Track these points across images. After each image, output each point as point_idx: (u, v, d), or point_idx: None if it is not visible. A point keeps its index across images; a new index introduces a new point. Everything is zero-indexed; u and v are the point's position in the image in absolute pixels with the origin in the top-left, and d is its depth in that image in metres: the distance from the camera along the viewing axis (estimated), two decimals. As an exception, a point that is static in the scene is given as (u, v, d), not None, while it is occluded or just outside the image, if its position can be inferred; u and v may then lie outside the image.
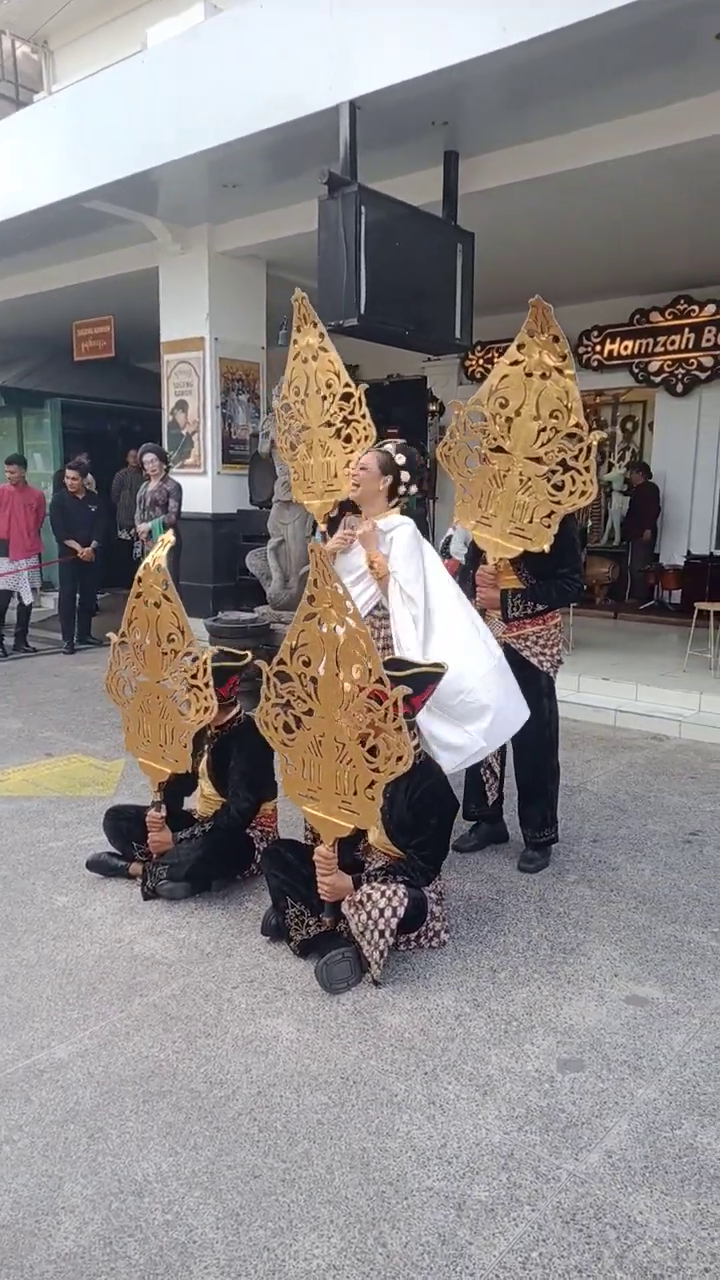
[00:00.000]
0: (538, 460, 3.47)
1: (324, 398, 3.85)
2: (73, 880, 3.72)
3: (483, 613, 3.74)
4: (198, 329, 8.76)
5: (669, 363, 9.99)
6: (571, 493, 3.42)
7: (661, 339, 9.98)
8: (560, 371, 3.39)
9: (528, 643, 3.74)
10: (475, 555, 3.86)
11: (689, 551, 9.74)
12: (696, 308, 9.66)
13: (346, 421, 3.79)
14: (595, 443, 3.38)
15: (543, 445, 3.45)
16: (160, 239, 8.54)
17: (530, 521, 3.52)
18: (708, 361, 9.73)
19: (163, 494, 7.80)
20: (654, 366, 10.09)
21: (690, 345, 9.80)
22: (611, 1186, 2.09)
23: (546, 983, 2.95)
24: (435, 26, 5.20)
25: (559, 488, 3.44)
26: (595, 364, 10.34)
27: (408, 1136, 2.25)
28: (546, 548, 3.50)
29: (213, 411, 8.81)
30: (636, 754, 5.51)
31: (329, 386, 3.83)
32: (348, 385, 3.79)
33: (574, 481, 3.40)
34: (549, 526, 3.48)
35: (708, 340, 9.67)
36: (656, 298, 9.88)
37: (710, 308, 9.56)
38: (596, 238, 7.99)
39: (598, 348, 10.33)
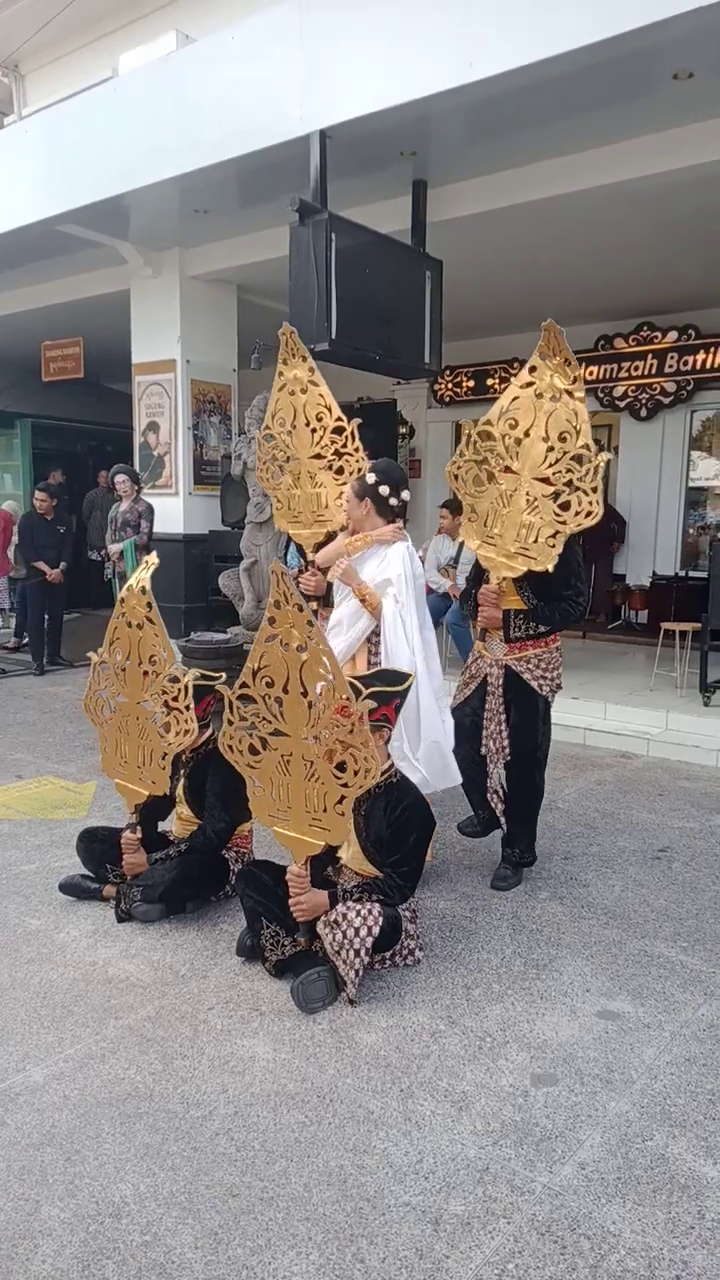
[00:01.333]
0: (545, 481, 3.51)
1: (314, 430, 3.91)
2: (45, 903, 3.70)
3: (484, 634, 3.80)
4: (169, 351, 8.81)
5: (633, 388, 10.20)
6: (577, 513, 3.45)
7: (625, 364, 10.20)
8: (571, 394, 3.45)
9: (529, 665, 3.76)
10: (478, 576, 3.89)
11: (654, 572, 9.92)
12: (659, 334, 9.89)
13: (339, 454, 3.86)
14: (603, 463, 3.43)
15: (550, 466, 3.49)
16: (131, 262, 8.59)
17: (535, 541, 3.55)
18: (670, 387, 9.96)
19: (134, 514, 7.80)
20: (619, 391, 10.30)
21: (654, 371, 10.03)
22: (585, 1198, 2.13)
23: (520, 999, 2.99)
24: (404, 60, 5.33)
25: (565, 508, 3.47)
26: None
27: (384, 1153, 2.27)
28: (551, 567, 3.54)
29: (184, 433, 8.85)
30: (605, 772, 5.59)
31: (319, 420, 3.89)
32: (339, 420, 3.86)
33: (580, 502, 3.44)
34: (554, 546, 3.51)
35: (670, 366, 9.89)
36: (620, 324, 10.10)
37: (672, 334, 9.80)
38: (561, 266, 8.17)
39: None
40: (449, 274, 6.92)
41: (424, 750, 3.67)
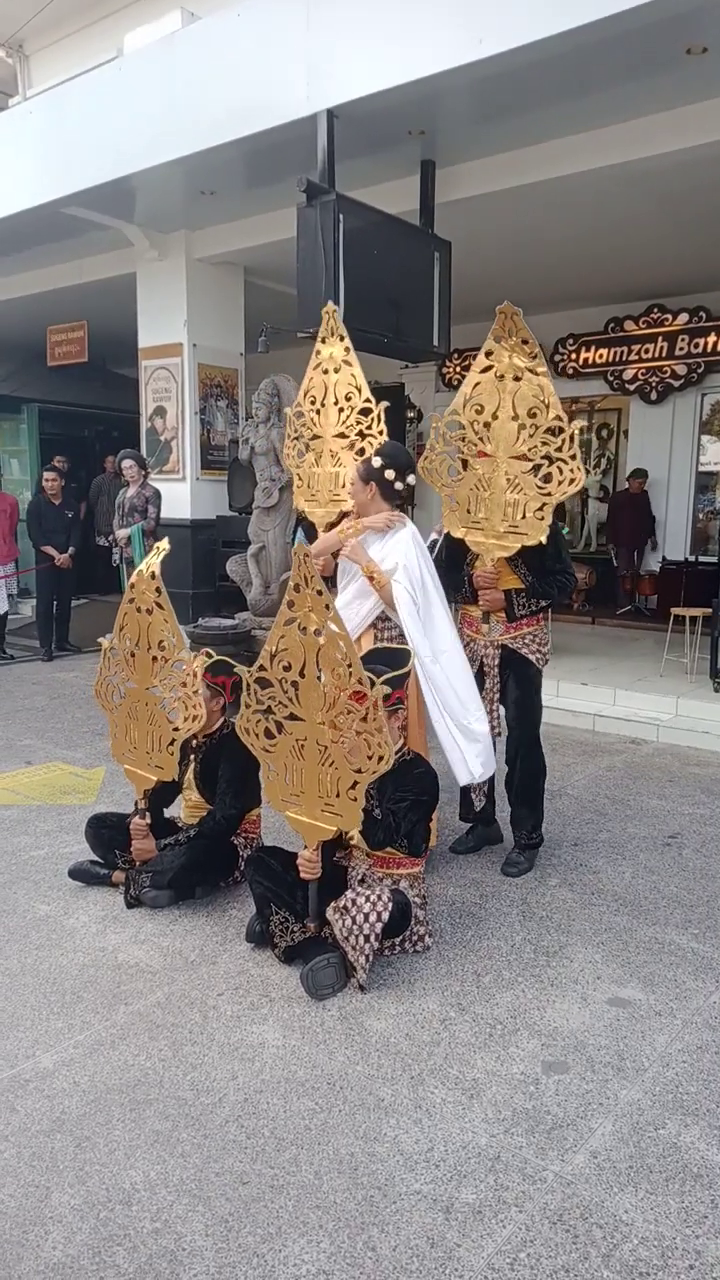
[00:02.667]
0: (522, 458, 3.53)
1: (341, 409, 3.92)
2: (55, 889, 3.70)
3: (486, 616, 3.79)
4: (176, 335, 8.75)
5: (643, 370, 10.11)
6: (560, 482, 3.47)
7: (635, 347, 10.10)
8: (533, 371, 3.47)
9: (525, 640, 3.81)
10: (452, 562, 3.88)
11: (664, 557, 9.86)
12: (669, 316, 9.79)
13: (362, 435, 3.87)
14: (577, 431, 3.44)
15: (524, 443, 3.51)
16: (137, 245, 8.53)
17: (524, 517, 3.57)
18: (681, 369, 9.86)
19: (141, 500, 7.78)
20: (628, 374, 10.21)
21: (664, 353, 9.92)
22: (597, 1187, 2.12)
23: (530, 986, 2.98)
24: (412, 37, 5.25)
25: (547, 479, 3.49)
26: (570, 371, 10.44)
27: (395, 1141, 2.26)
28: (544, 539, 3.55)
29: (191, 417, 8.80)
30: (615, 758, 5.57)
31: (348, 399, 3.92)
32: (368, 400, 3.87)
33: (561, 471, 3.46)
34: (542, 519, 3.53)
35: (680, 348, 9.79)
36: (630, 306, 9.99)
37: (683, 316, 9.69)
38: (571, 247, 8.08)
39: (573, 355, 10.43)
40: (458, 255, 6.85)
41: (469, 740, 3.61)
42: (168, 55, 6.61)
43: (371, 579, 3.59)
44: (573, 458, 3.44)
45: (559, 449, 3.46)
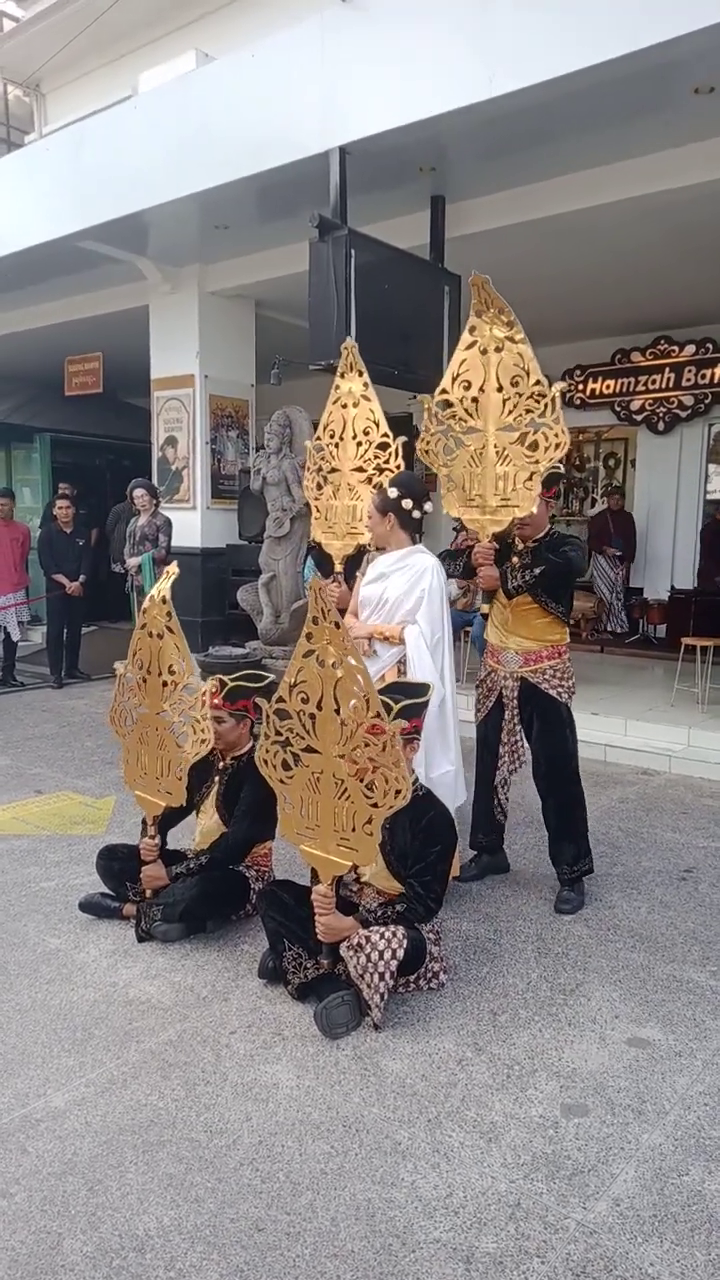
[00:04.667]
0: (509, 429, 3.52)
1: (359, 443, 3.96)
2: (65, 922, 3.67)
3: (486, 616, 3.80)
4: (188, 366, 8.84)
5: (650, 401, 10.16)
6: (546, 448, 3.45)
7: (643, 378, 10.16)
8: (512, 340, 3.46)
9: (544, 676, 3.79)
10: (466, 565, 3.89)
11: (672, 586, 9.84)
12: (676, 348, 9.85)
13: (379, 470, 3.90)
14: (559, 393, 3.42)
15: (510, 413, 3.50)
16: (151, 279, 8.64)
17: (514, 490, 3.55)
18: (688, 400, 9.91)
19: (153, 528, 7.82)
20: (635, 405, 10.27)
21: (670, 384, 9.99)
22: (621, 1237, 2.07)
23: (547, 1025, 2.93)
24: (423, 76, 5.34)
25: (534, 447, 3.47)
26: (578, 402, 10.50)
27: (413, 1186, 2.22)
28: (534, 510, 3.53)
29: (202, 447, 8.87)
30: (628, 789, 5.52)
31: (366, 434, 3.95)
32: (385, 435, 3.90)
33: (547, 437, 3.44)
34: (531, 489, 3.51)
35: (688, 379, 9.85)
36: (637, 338, 10.07)
37: (690, 348, 9.76)
38: (579, 280, 8.15)
39: (580, 386, 10.50)
40: (467, 289, 6.90)
41: (439, 774, 3.65)
42: (183, 93, 6.74)
43: (386, 639, 3.63)
44: (556, 421, 3.42)
45: (542, 414, 3.44)
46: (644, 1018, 2.98)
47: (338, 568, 4.14)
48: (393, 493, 3.70)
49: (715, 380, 9.68)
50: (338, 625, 2.74)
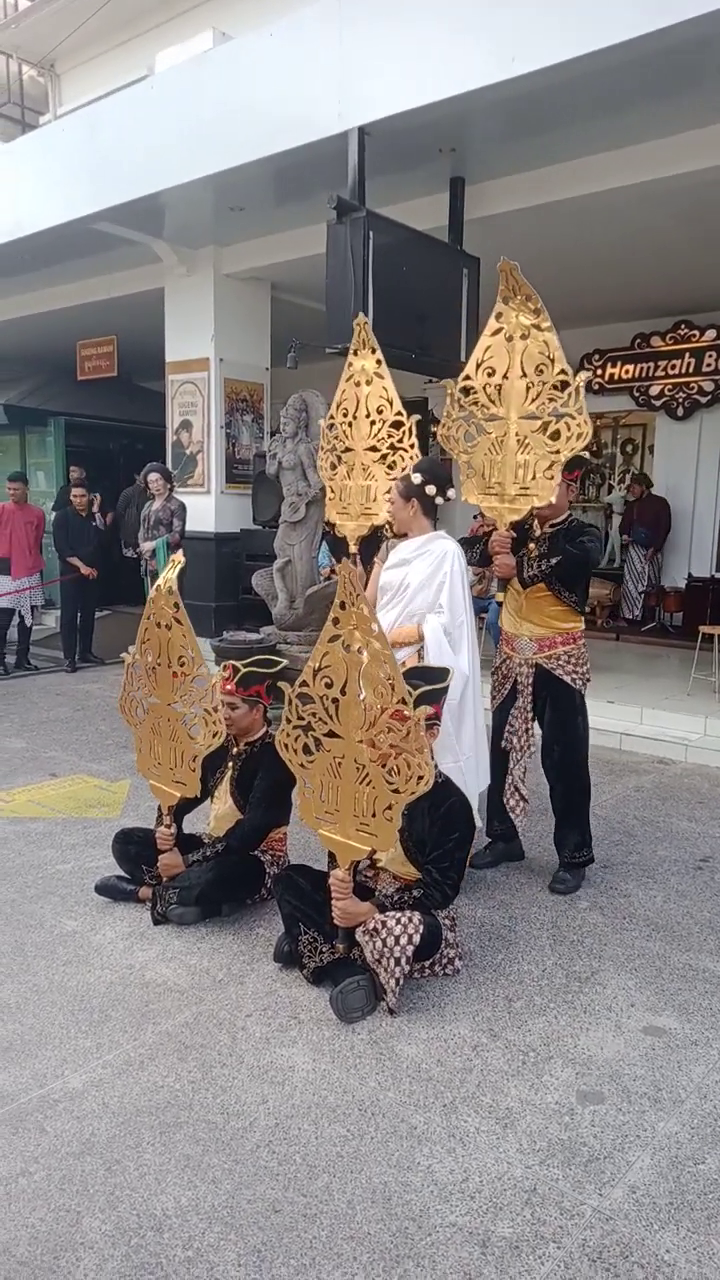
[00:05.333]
0: (531, 417, 3.50)
1: (372, 422, 3.93)
2: (81, 904, 3.69)
3: (505, 638, 3.77)
4: (203, 350, 8.80)
5: (669, 387, 10.05)
6: (568, 438, 3.43)
7: (662, 363, 10.05)
8: (538, 327, 3.43)
9: (559, 662, 3.78)
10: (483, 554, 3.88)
11: (690, 574, 9.77)
12: (697, 333, 9.73)
13: (393, 449, 3.86)
14: (582, 383, 3.39)
15: (533, 401, 3.48)
16: (166, 261, 8.59)
17: (534, 479, 3.53)
18: (708, 386, 9.79)
19: (167, 513, 7.80)
20: (654, 390, 10.16)
21: (690, 370, 9.87)
22: (637, 1223, 2.07)
23: (563, 1012, 2.93)
24: (444, 55, 5.26)
25: (555, 437, 3.45)
26: (596, 387, 10.39)
27: (429, 1170, 2.23)
28: (553, 499, 3.51)
29: (217, 431, 8.84)
30: (643, 778, 5.50)
31: (379, 412, 3.92)
32: (399, 413, 3.87)
33: (569, 427, 3.42)
34: (551, 478, 3.49)
35: (708, 365, 9.73)
36: (657, 322, 9.95)
37: (710, 333, 9.63)
38: (599, 264, 8.06)
39: (599, 371, 10.40)
40: (485, 271, 6.84)
41: (463, 761, 3.64)
42: (199, 73, 6.67)
43: (411, 641, 3.62)
44: (579, 412, 3.39)
45: (565, 404, 3.41)
46: (660, 1006, 2.98)
47: (352, 549, 4.10)
48: (416, 478, 3.68)
49: (735, 366, 9.57)
50: (364, 611, 2.72)
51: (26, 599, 8.91)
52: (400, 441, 3.87)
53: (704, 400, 9.86)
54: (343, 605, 2.75)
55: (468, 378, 3.63)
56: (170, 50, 8.14)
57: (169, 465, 8.84)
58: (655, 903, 3.77)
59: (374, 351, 3.96)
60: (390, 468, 3.88)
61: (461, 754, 3.64)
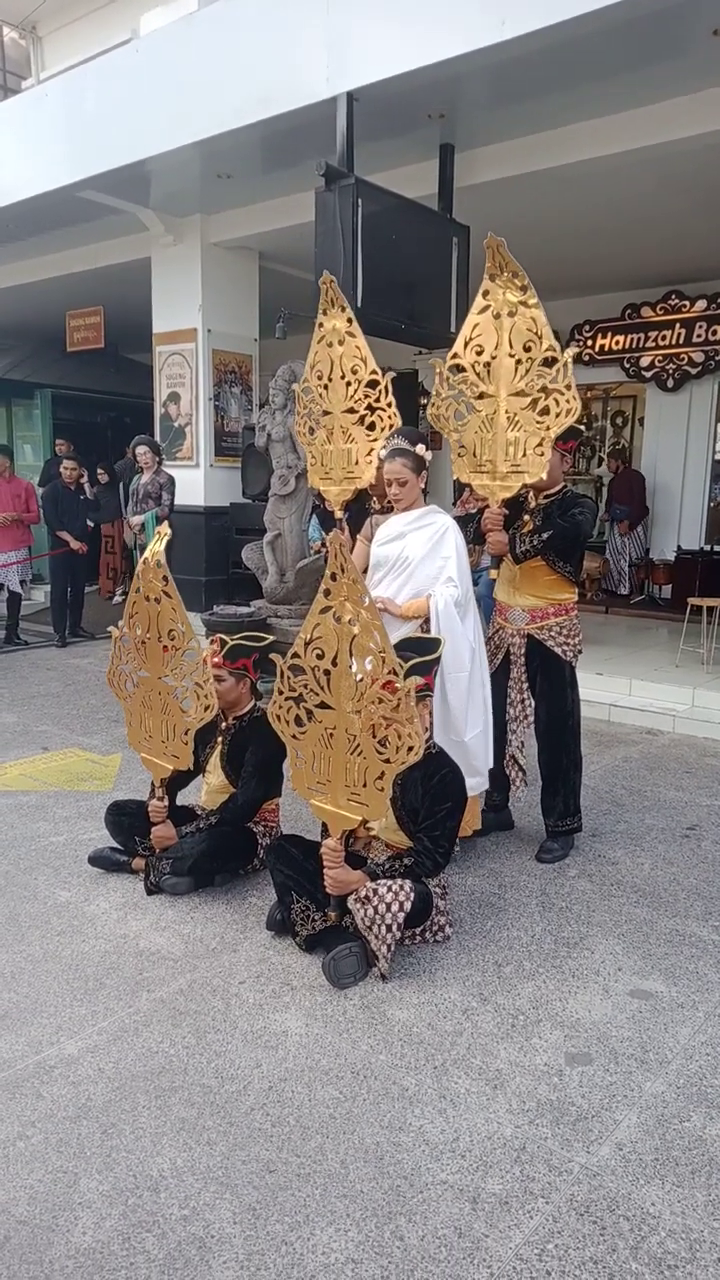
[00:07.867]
0: (520, 394, 3.49)
1: (348, 383, 3.87)
2: (75, 875, 3.71)
3: (500, 609, 3.77)
4: (190, 320, 8.71)
5: (660, 358, 10.01)
6: (558, 414, 3.42)
7: (653, 334, 10.01)
8: (525, 304, 3.42)
9: (551, 633, 3.81)
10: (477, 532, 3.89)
11: (679, 546, 9.80)
12: (687, 303, 9.69)
13: (371, 409, 3.82)
14: (570, 359, 3.38)
15: (522, 378, 3.46)
16: (153, 229, 8.48)
17: (524, 455, 3.53)
18: (698, 357, 9.76)
19: (156, 486, 7.77)
20: (645, 361, 10.12)
21: (681, 340, 9.83)
22: (623, 1179, 2.12)
23: (551, 977, 2.98)
24: (434, 18, 5.19)
25: (545, 413, 3.44)
26: (586, 358, 10.34)
27: (420, 1130, 2.27)
28: (544, 475, 3.52)
29: (205, 404, 8.77)
30: (631, 749, 5.55)
31: (354, 373, 3.85)
32: (374, 372, 3.81)
33: (558, 403, 3.41)
34: (541, 455, 3.49)
35: (698, 336, 9.70)
36: (648, 293, 9.90)
37: (701, 303, 9.59)
38: (589, 232, 8.00)
39: (589, 342, 10.34)
40: (475, 240, 6.78)
41: (471, 737, 3.64)
42: (185, 37, 6.55)
43: (411, 616, 3.61)
44: (568, 387, 3.38)
45: (554, 380, 3.40)
46: (647, 970, 3.03)
47: (338, 513, 4.06)
48: (420, 448, 3.67)
49: (726, 337, 9.53)
50: (355, 582, 2.73)
51: (14, 572, 8.87)
52: (378, 401, 3.81)
53: (694, 371, 9.83)
54: (334, 577, 2.76)
55: (456, 356, 3.60)
56: (155, 12, 8.02)
57: (157, 438, 8.78)
58: (643, 870, 3.82)
59: (344, 309, 3.89)
60: (370, 429, 3.83)
61: (467, 731, 3.62)
